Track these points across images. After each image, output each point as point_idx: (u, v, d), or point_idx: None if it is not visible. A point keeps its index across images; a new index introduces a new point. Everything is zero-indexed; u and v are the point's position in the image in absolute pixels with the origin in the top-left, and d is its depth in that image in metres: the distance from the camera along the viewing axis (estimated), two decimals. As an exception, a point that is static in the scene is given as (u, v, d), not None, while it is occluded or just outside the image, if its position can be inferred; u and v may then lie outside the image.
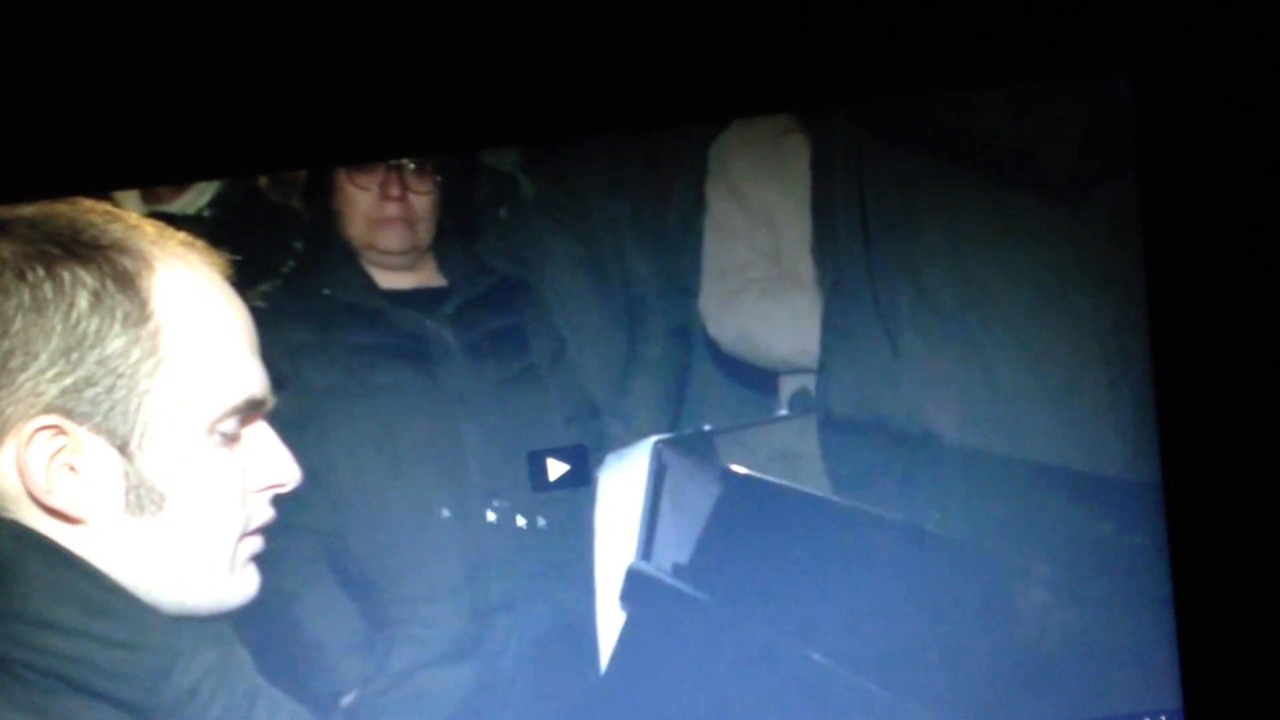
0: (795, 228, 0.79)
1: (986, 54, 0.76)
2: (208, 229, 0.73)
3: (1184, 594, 0.80)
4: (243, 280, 0.73)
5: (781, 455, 0.80)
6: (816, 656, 0.80)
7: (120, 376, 0.67)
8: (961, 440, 0.79)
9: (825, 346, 0.79)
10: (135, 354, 0.67)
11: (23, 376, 0.66)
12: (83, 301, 0.66)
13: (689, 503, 0.80)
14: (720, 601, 0.80)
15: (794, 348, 0.79)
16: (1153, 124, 0.77)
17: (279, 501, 0.74)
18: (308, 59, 0.74)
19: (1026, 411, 0.79)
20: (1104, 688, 0.81)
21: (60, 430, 0.66)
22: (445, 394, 0.78)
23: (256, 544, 0.73)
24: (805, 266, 0.79)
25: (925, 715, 0.81)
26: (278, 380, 0.74)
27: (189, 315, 0.69)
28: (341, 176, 0.76)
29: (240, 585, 0.72)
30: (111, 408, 0.67)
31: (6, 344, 0.66)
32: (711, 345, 0.80)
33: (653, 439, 0.80)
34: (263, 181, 0.76)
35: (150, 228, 0.70)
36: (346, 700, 0.79)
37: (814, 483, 0.80)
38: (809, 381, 0.80)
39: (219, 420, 0.69)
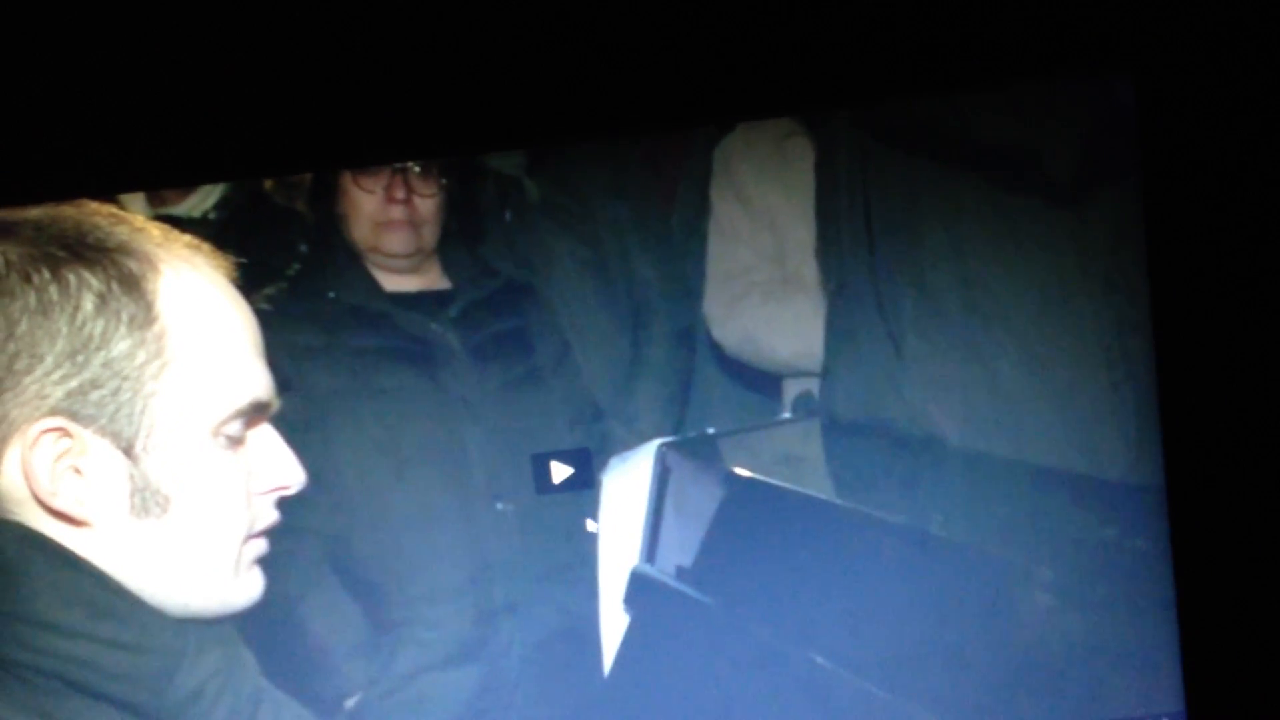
0: (799, 231, 0.79)
1: (989, 57, 0.76)
2: (213, 232, 0.73)
3: (1187, 597, 0.80)
4: (248, 283, 0.73)
5: (785, 458, 0.80)
6: (819, 659, 0.80)
7: (125, 379, 0.67)
8: (965, 443, 0.79)
9: (829, 349, 0.79)
10: (140, 356, 0.67)
11: (28, 379, 0.66)
12: (88, 304, 0.66)
13: (692, 506, 0.81)
14: (723, 604, 0.80)
15: (797, 351, 0.80)
16: (1155, 126, 0.77)
17: (283, 504, 0.74)
18: (313, 63, 0.74)
19: (1029, 414, 0.79)
20: (1107, 691, 0.81)
21: (65, 433, 0.66)
22: (449, 397, 0.78)
23: (261, 546, 0.73)
24: (809, 270, 0.79)
25: (928, 718, 0.81)
26: (282, 383, 0.74)
27: (194, 318, 0.69)
28: (346, 179, 0.77)
29: (245, 587, 0.72)
30: (117, 410, 0.67)
31: (12, 346, 0.66)
32: (715, 348, 0.80)
33: (656, 442, 0.80)
34: (268, 184, 0.76)
35: (156, 230, 0.70)
36: (350, 702, 0.79)
37: (817, 486, 0.80)
38: (812, 384, 0.80)
39: (224, 423, 0.69)
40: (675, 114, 0.77)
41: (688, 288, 0.79)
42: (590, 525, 0.80)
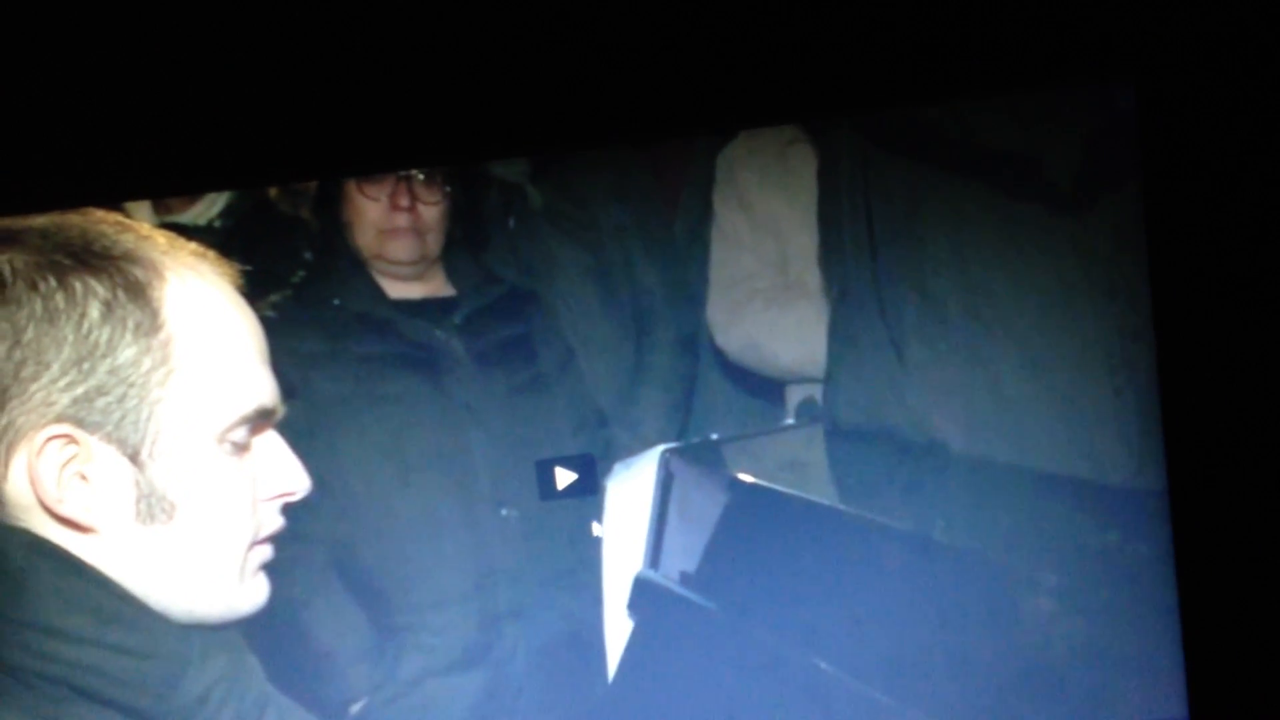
0: (801, 237, 0.79)
1: (991, 64, 0.76)
2: (219, 239, 0.74)
3: (1189, 602, 0.80)
4: (253, 290, 0.73)
5: (788, 464, 0.80)
6: (823, 664, 0.80)
7: (131, 386, 0.67)
8: (967, 449, 0.79)
9: (832, 355, 0.79)
10: (146, 363, 0.67)
11: (34, 386, 0.66)
12: (94, 311, 0.66)
13: (696, 511, 0.81)
14: (727, 610, 0.80)
15: (800, 357, 0.80)
16: (1156, 133, 0.77)
17: (289, 510, 0.74)
18: (318, 71, 0.75)
19: (1032, 420, 0.79)
20: (1110, 696, 0.81)
21: (72, 439, 0.66)
22: (454, 403, 0.78)
23: (266, 552, 0.73)
24: (811, 276, 0.79)
25: (931, 723, 0.81)
26: (288, 389, 0.74)
27: (200, 325, 0.69)
28: (351, 187, 0.77)
29: (250, 593, 0.72)
30: (123, 417, 0.67)
31: (19, 353, 0.66)
32: (718, 354, 0.80)
33: (660, 448, 0.81)
34: (273, 192, 0.76)
35: (162, 238, 0.70)
36: (356, 708, 0.79)
37: (820, 491, 0.80)
38: (815, 390, 0.80)
39: (229, 429, 0.69)
40: (678, 121, 0.77)
41: (691, 294, 0.79)
42: (594, 530, 0.80)
